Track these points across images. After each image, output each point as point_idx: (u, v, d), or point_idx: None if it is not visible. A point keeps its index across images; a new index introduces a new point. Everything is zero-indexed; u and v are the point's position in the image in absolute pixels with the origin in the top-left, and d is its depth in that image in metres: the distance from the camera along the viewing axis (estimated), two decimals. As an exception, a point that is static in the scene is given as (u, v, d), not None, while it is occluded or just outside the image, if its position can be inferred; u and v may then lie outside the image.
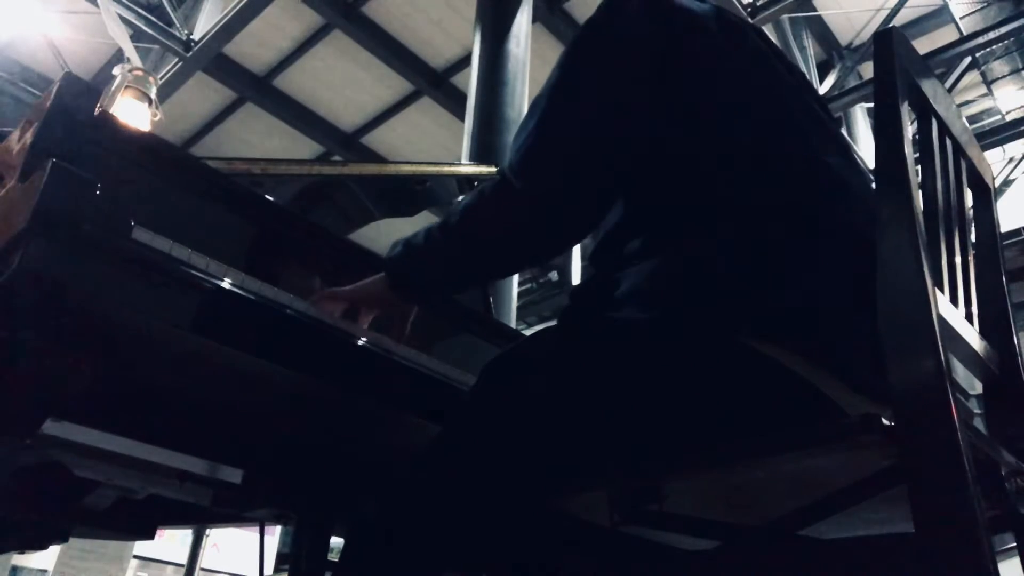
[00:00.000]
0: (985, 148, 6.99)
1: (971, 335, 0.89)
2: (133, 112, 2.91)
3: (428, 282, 1.15)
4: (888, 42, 0.85)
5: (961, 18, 7.58)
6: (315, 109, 9.31)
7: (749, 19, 6.00)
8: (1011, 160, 9.70)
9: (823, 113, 1.10)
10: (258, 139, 9.56)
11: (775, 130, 1.00)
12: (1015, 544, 0.86)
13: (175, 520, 1.88)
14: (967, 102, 9.20)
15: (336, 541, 1.58)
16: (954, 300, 0.86)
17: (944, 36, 7.47)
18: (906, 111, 0.85)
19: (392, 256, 1.14)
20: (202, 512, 1.72)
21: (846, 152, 1.05)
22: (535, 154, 1.02)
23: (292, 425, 1.29)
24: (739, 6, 6.13)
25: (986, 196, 1.10)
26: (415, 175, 2.21)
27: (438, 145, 9.37)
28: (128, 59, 5.53)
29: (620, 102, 1.00)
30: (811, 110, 1.07)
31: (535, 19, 5.95)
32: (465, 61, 7.23)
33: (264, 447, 1.32)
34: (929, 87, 0.90)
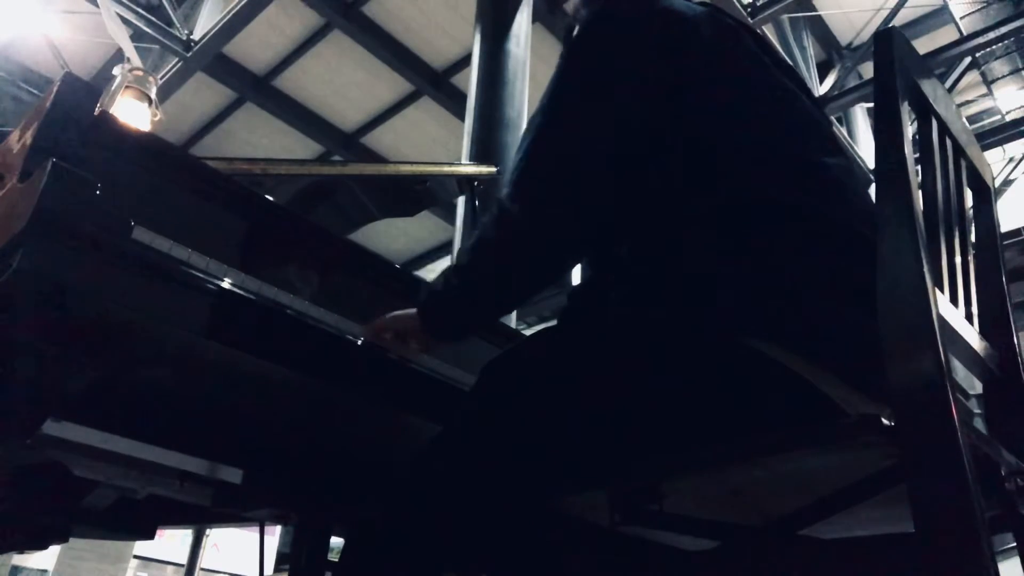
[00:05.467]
0: (985, 148, 7.00)
1: (971, 335, 0.89)
2: (133, 112, 2.90)
3: (461, 326, 1.16)
4: (888, 42, 0.85)
5: (961, 18, 7.58)
6: (315, 109, 9.31)
7: (749, 19, 6.00)
8: (1011, 160, 9.70)
9: (819, 114, 1.10)
10: (258, 139, 9.56)
11: (771, 132, 1.00)
12: (1015, 544, 0.86)
13: (175, 520, 1.88)
14: (967, 102, 9.20)
15: (336, 541, 1.58)
16: (954, 300, 0.86)
17: (944, 36, 7.47)
18: (906, 111, 0.85)
19: (422, 304, 1.14)
20: (202, 512, 1.72)
21: (843, 153, 1.06)
22: (527, 179, 1.03)
23: (292, 425, 1.29)
24: (739, 6, 6.12)
25: (986, 196, 1.10)
26: (415, 175, 2.21)
27: (438, 145, 9.37)
28: (128, 59, 5.53)
29: (609, 122, 1.00)
30: (807, 111, 1.07)
31: (535, 19, 5.94)
32: (465, 61, 7.23)
33: (264, 447, 1.32)
34: (929, 87, 0.90)
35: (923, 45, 7.26)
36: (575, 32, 1.09)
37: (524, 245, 1.04)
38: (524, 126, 1.11)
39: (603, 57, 1.03)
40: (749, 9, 6.24)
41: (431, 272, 10.22)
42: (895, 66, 0.84)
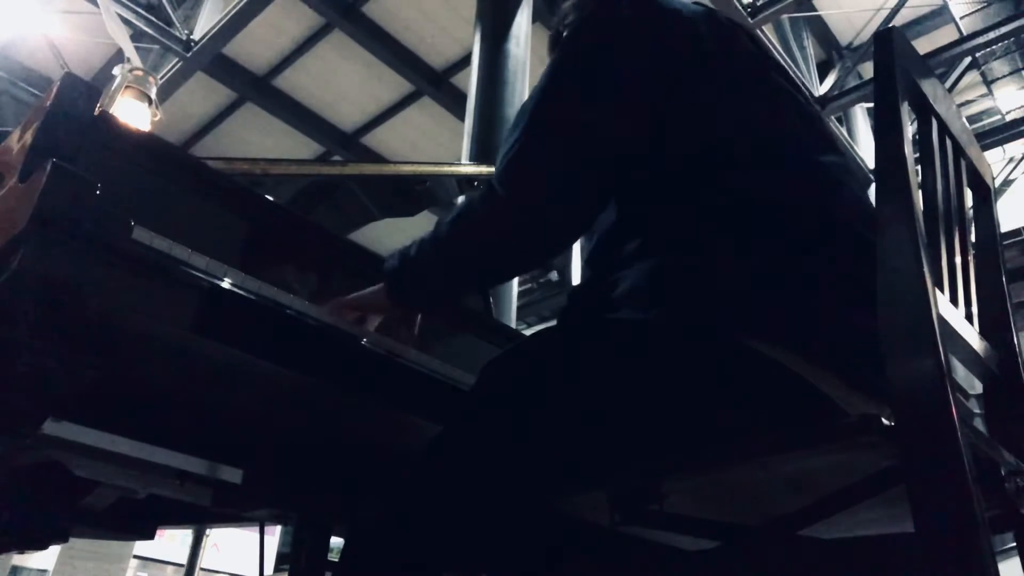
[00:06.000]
0: (985, 148, 6.99)
1: (971, 335, 0.89)
2: (133, 112, 2.90)
3: (424, 293, 1.16)
4: (888, 42, 0.85)
5: (961, 18, 7.58)
6: (315, 109, 9.31)
7: (749, 19, 6.00)
8: (1011, 160, 9.71)
9: (816, 114, 1.10)
10: (258, 139, 9.56)
11: (769, 130, 1.00)
12: (1015, 544, 0.86)
13: (175, 520, 1.88)
14: (967, 102, 9.20)
15: (336, 541, 1.58)
16: (954, 300, 0.86)
17: (944, 36, 7.47)
18: (906, 111, 0.84)
19: (388, 268, 1.15)
20: (202, 512, 1.72)
21: (840, 151, 1.06)
22: (519, 163, 1.03)
23: (292, 425, 1.29)
24: (739, 6, 6.12)
25: (986, 196, 1.10)
26: (415, 175, 2.21)
27: (438, 145, 9.37)
28: (128, 59, 5.53)
29: (604, 113, 1.00)
30: (803, 110, 1.07)
31: (535, 19, 5.94)
32: (465, 61, 7.24)
33: (264, 447, 1.32)
34: (929, 87, 0.90)
35: (923, 45, 7.26)
36: (574, 27, 1.09)
37: (509, 231, 1.04)
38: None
39: (601, 54, 1.02)
40: (749, 9, 6.24)
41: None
42: (895, 66, 0.84)
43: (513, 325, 4.41)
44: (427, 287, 1.14)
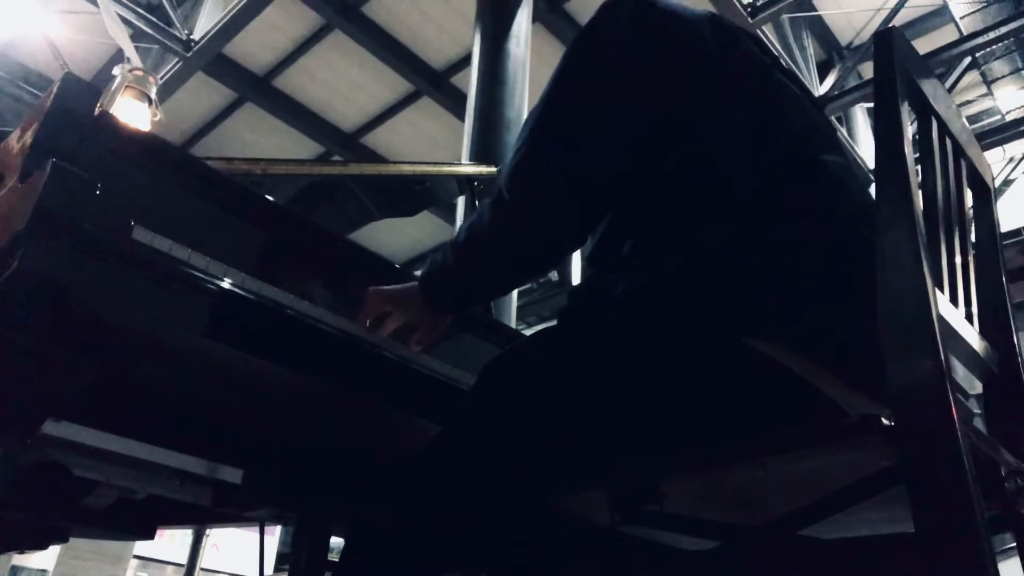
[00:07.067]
0: (985, 148, 6.99)
1: (971, 335, 0.89)
2: (133, 112, 2.90)
3: (451, 295, 1.19)
4: (888, 42, 0.85)
5: (961, 18, 7.58)
6: (315, 109, 9.31)
7: (749, 19, 6.00)
8: (1011, 160, 9.70)
9: (818, 114, 1.11)
10: (258, 139, 9.56)
11: (772, 131, 1.01)
12: (1015, 544, 0.86)
13: (175, 520, 1.88)
14: (967, 102, 9.20)
15: (336, 541, 1.58)
16: (954, 300, 0.86)
17: (944, 36, 7.47)
18: (906, 111, 0.84)
19: (423, 275, 1.18)
20: (202, 512, 1.72)
21: (842, 151, 1.06)
22: (524, 169, 1.04)
23: (292, 425, 1.29)
24: (739, 6, 6.12)
25: (986, 196, 1.10)
26: (415, 175, 2.21)
27: (438, 145, 9.37)
28: (128, 59, 5.53)
29: (609, 120, 1.00)
30: (806, 111, 1.07)
31: (535, 19, 5.95)
32: (465, 61, 7.23)
33: (264, 447, 1.32)
34: (929, 87, 0.90)
35: (923, 45, 7.26)
36: (578, 33, 1.09)
37: (517, 234, 1.06)
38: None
39: (605, 56, 1.03)
40: (749, 9, 6.24)
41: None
42: (895, 66, 0.84)
43: (513, 325, 4.41)
44: (452, 290, 1.17)
